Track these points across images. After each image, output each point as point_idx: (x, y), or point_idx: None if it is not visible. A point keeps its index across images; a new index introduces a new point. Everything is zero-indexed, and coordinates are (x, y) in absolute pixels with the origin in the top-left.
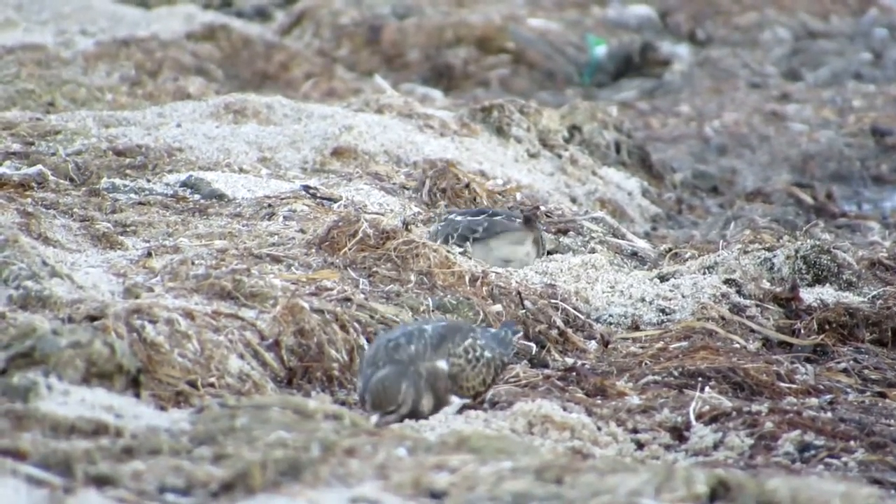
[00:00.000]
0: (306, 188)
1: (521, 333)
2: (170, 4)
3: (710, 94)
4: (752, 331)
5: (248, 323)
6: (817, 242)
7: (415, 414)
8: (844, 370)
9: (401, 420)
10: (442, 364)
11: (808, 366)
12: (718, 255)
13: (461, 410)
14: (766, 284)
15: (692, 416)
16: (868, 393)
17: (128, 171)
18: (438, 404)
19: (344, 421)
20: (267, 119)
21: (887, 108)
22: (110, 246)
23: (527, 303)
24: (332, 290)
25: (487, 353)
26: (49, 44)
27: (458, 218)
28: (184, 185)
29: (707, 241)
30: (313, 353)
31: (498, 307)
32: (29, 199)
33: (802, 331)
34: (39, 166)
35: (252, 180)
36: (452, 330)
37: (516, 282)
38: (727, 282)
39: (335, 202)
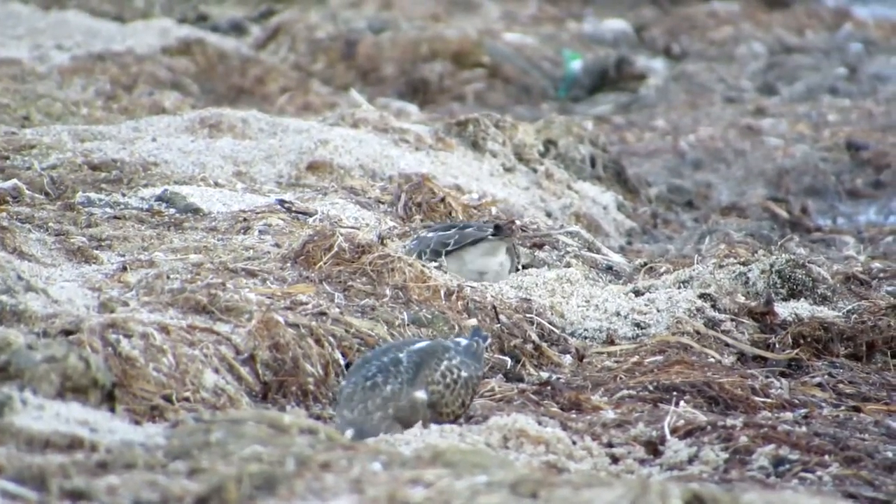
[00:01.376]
0: (282, 202)
1: (489, 339)
2: (145, 19)
3: (686, 109)
4: (727, 345)
5: (224, 337)
6: (792, 257)
7: None
8: (819, 384)
9: None
10: (421, 394)
11: (783, 380)
12: (693, 270)
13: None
14: (741, 299)
15: (667, 431)
16: (843, 407)
17: (103, 186)
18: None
19: (319, 435)
20: (242, 133)
21: (862, 123)
22: (85, 260)
23: (502, 317)
24: (307, 304)
25: (464, 373)
26: (24, 58)
27: (430, 234)
28: (159, 199)
29: (682, 255)
30: (288, 368)
31: (473, 321)
32: (4, 214)
33: (777, 345)
34: (14, 180)
35: (227, 194)
36: (428, 354)
37: (491, 296)
38: (702, 296)
39: (310, 216)
